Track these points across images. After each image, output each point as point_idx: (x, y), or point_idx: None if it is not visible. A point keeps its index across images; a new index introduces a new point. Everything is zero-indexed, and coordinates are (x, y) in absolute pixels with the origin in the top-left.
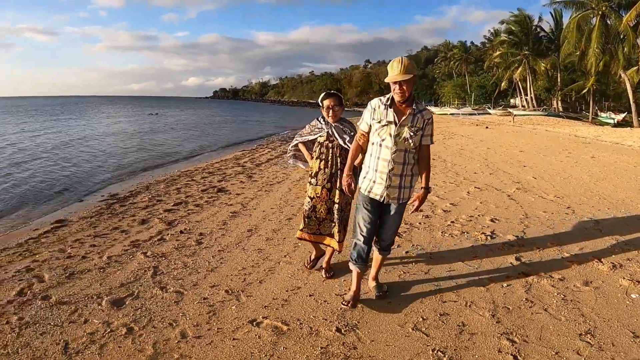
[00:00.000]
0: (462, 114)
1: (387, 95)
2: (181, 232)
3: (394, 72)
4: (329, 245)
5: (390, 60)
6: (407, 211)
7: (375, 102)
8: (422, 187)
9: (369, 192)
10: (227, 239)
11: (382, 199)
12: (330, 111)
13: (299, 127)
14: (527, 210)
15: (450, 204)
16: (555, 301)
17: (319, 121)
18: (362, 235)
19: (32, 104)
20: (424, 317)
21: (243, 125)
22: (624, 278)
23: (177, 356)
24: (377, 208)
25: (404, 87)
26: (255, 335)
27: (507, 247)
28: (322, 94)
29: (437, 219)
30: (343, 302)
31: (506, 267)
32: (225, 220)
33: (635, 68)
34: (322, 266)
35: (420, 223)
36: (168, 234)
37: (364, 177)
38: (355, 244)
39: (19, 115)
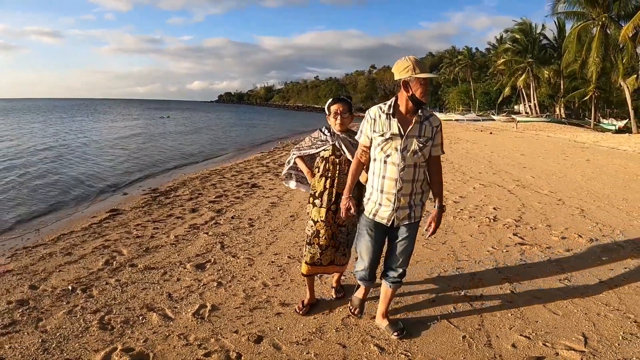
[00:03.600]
0: (466, 119)
1: (389, 103)
2: (232, 217)
3: (424, 69)
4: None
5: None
6: (422, 235)
7: (374, 111)
8: (435, 206)
9: (374, 215)
10: (274, 222)
11: (390, 223)
12: (339, 117)
13: (309, 131)
14: (524, 201)
15: (459, 196)
16: (542, 260)
17: (323, 132)
18: (364, 263)
19: (44, 106)
20: (445, 270)
21: (254, 129)
22: (597, 247)
23: (265, 297)
24: (384, 233)
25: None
26: (322, 283)
27: (507, 227)
28: (330, 99)
29: (449, 208)
30: (350, 308)
31: (505, 239)
32: (267, 209)
33: (634, 76)
34: (332, 285)
35: None
36: (221, 219)
37: (368, 199)
38: (357, 272)
39: (33, 116)
